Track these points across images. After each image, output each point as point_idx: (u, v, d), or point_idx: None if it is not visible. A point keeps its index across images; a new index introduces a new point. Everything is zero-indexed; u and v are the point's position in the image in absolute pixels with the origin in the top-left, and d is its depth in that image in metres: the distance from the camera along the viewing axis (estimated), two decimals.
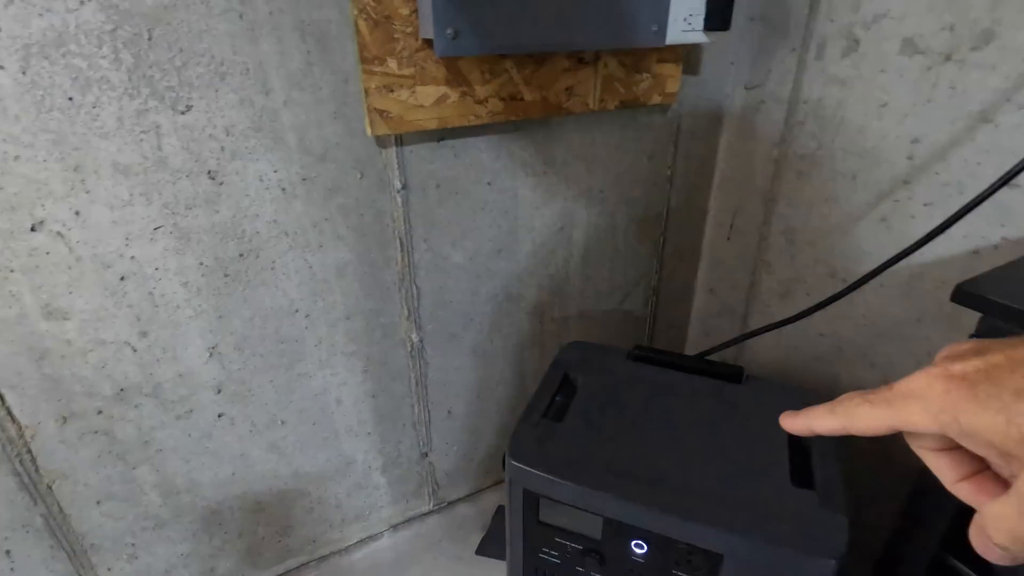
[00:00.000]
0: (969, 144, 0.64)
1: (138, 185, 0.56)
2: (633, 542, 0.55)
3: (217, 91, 0.56)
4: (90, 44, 0.50)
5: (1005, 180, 0.49)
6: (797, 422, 0.29)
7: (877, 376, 0.79)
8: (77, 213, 0.54)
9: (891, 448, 0.80)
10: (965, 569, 0.49)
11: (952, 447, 0.24)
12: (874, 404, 0.24)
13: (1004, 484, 0.24)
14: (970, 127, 0.64)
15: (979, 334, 0.46)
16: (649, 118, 0.85)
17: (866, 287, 0.67)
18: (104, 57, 0.50)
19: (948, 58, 0.64)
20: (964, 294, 0.42)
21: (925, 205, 0.70)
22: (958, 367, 0.21)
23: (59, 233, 0.54)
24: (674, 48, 0.78)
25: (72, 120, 0.51)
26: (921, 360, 0.76)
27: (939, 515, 0.49)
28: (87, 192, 0.54)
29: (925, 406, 0.22)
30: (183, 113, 0.55)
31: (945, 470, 0.26)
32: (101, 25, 0.49)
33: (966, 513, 0.49)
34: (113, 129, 0.53)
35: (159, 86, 0.53)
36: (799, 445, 0.59)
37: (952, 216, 0.56)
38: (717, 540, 0.50)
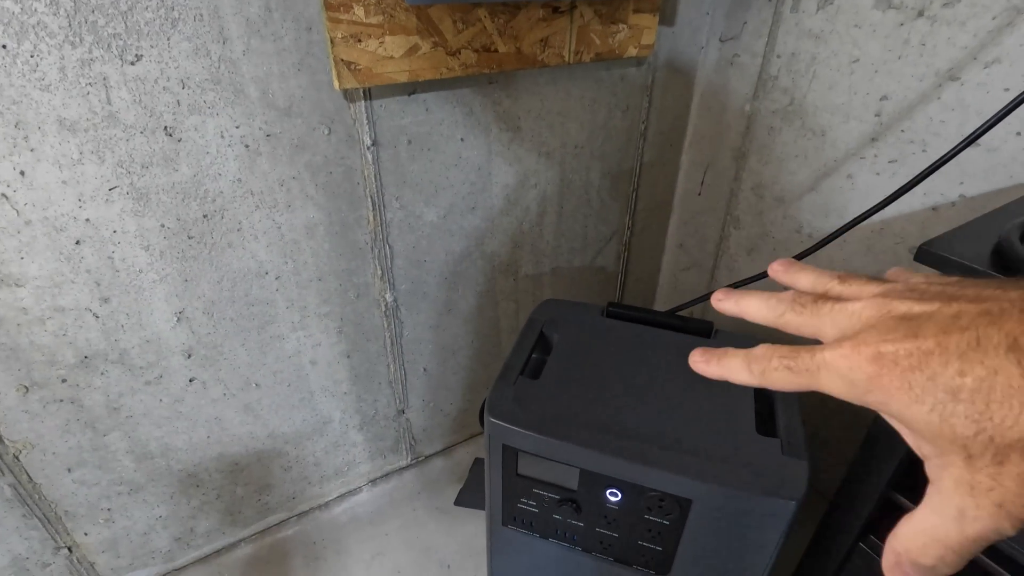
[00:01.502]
0: (935, 102, 0.65)
1: (88, 142, 0.52)
2: (608, 491, 0.57)
3: (169, 39, 0.52)
4: None
5: (970, 141, 0.51)
6: (711, 367, 0.27)
7: None
8: (22, 173, 0.51)
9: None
10: (911, 505, 0.53)
11: None
12: (794, 372, 0.23)
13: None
14: (937, 84, 0.65)
15: None
16: (623, 71, 0.83)
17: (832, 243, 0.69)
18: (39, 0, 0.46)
19: (920, 14, 0.64)
20: (926, 253, 0.44)
21: (890, 162, 0.72)
22: (889, 348, 0.19)
23: (3, 195, 0.51)
24: None
25: (8, 71, 0.47)
26: None
27: (890, 458, 0.53)
28: (31, 150, 0.50)
29: (852, 385, 0.20)
30: (132, 63, 0.51)
31: None
32: None
33: (914, 458, 0.52)
34: (55, 81, 0.49)
35: (103, 33, 0.49)
36: (764, 396, 0.62)
37: (918, 175, 0.57)
38: (687, 487, 0.53)
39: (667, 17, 0.83)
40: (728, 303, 0.30)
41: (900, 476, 0.54)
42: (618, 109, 0.87)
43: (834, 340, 0.22)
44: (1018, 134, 0.60)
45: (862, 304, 0.22)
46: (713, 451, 0.54)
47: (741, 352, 0.26)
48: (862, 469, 0.56)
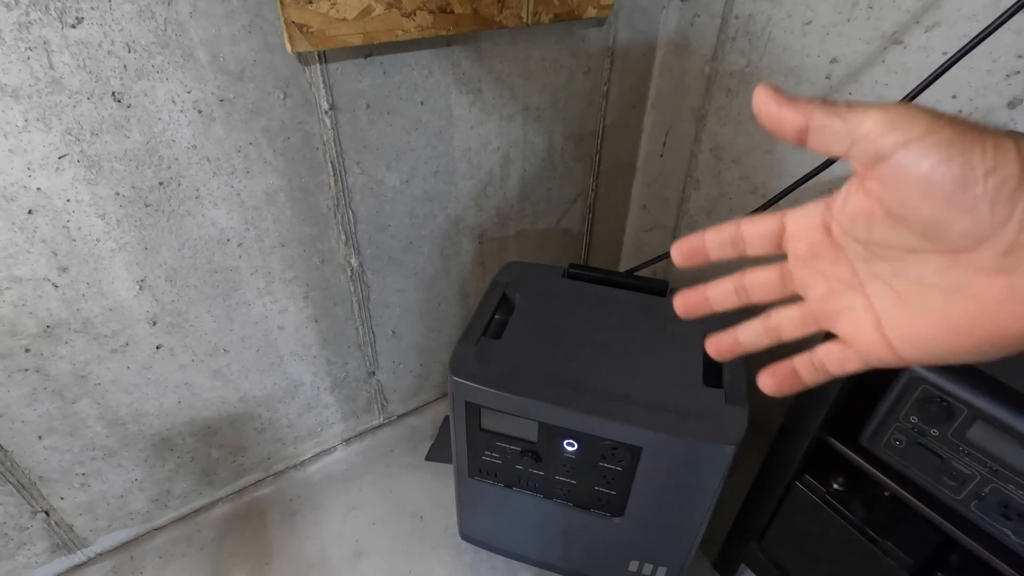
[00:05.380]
0: (880, 65, 0.68)
1: (33, 109, 0.51)
2: (565, 441, 0.61)
3: (110, 1, 0.50)
4: None
5: (909, 99, 0.53)
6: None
7: None
8: None
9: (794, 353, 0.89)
10: (838, 445, 0.58)
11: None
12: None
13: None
14: (882, 48, 0.67)
15: None
16: (585, 32, 0.83)
17: (782, 201, 0.72)
18: None
19: None
20: None
21: None
22: None
23: None
24: None
25: None
26: None
27: (822, 403, 0.57)
28: None
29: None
30: (74, 27, 0.50)
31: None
32: None
33: (843, 403, 0.56)
34: None
35: None
36: None
37: None
38: (636, 435, 0.57)
39: None
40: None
41: (832, 420, 0.59)
42: (580, 71, 0.87)
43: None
44: (953, 97, 0.62)
45: None
46: (661, 402, 0.58)
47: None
48: (798, 414, 0.61)
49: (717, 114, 0.89)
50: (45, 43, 0.49)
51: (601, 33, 0.85)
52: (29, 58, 0.49)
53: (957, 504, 0.51)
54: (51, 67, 0.50)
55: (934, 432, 0.50)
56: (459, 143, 0.80)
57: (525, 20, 0.72)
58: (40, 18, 0.48)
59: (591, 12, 0.78)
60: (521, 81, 0.81)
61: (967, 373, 0.47)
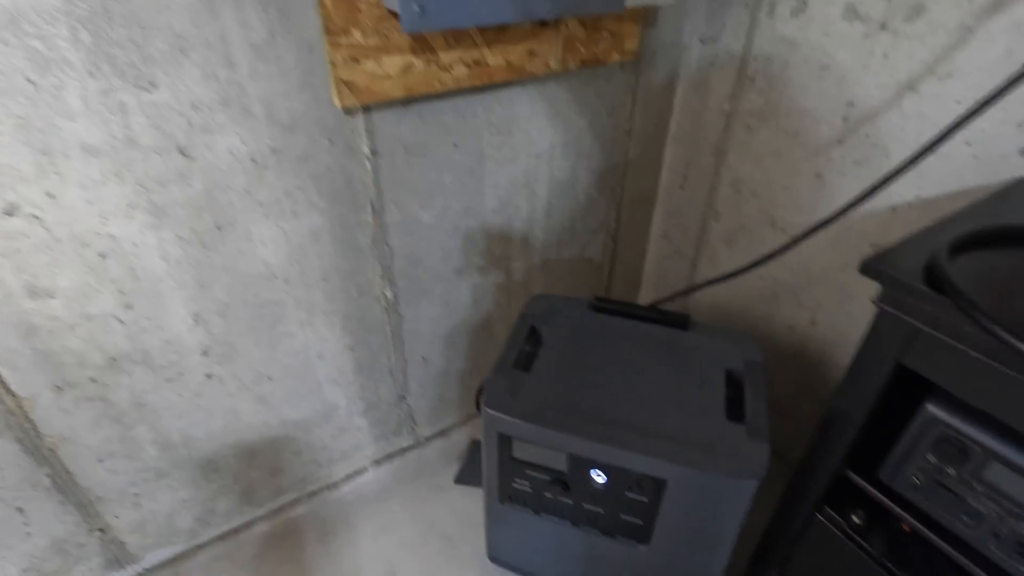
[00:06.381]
0: (896, 110, 0.70)
1: (109, 164, 0.56)
2: (593, 472, 0.64)
3: (180, 66, 0.55)
4: (44, 23, 0.49)
5: (928, 147, 0.56)
6: None
7: (806, 316, 0.89)
8: (50, 195, 0.55)
9: (812, 381, 0.91)
10: (862, 482, 0.60)
11: None
12: None
13: None
14: (898, 94, 0.69)
15: (882, 299, 0.54)
16: (609, 73, 0.87)
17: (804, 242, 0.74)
18: (61, 37, 0.49)
19: (883, 27, 0.68)
20: (869, 268, 0.49)
21: (855, 164, 0.77)
22: None
23: (35, 216, 0.55)
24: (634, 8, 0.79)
25: (35, 103, 0.51)
26: (844, 302, 0.85)
27: (843, 439, 0.60)
28: (58, 174, 0.54)
29: None
30: (148, 91, 0.55)
31: None
32: (53, 3, 0.48)
33: (863, 438, 0.58)
34: (79, 110, 0.53)
35: (120, 64, 0.53)
36: (735, 383, 0.68)
37: (882, 178, 0.62)
38: (661, 469, 0.60)
39: (650, 20, 0.86)
40: None
41: (852, 454, 0.61)
42: (604, 110, 0.91)
43: None
44: (968, 144, 0.65)
45: None
46: (686, 436, 0.61)
47: None
48: (819, 447, 0.63)
49: (737, 149, 0.92)
50: (123, 106, 0.54)
51: (625, 74, 0.89)
52: (109, 120, 0.54)
53: (976, 542, 0.53)
54: (127, 127, 0.55)
55: (951, 471, 0.52)
56: (489, 181, 0.84)
57: (554, 68, 0.76)
58: (120, 84, 0.53)
59: (615, 57, 0.82)
60: (548, 122, 0.85)
61: (983, 417, 0.50)
